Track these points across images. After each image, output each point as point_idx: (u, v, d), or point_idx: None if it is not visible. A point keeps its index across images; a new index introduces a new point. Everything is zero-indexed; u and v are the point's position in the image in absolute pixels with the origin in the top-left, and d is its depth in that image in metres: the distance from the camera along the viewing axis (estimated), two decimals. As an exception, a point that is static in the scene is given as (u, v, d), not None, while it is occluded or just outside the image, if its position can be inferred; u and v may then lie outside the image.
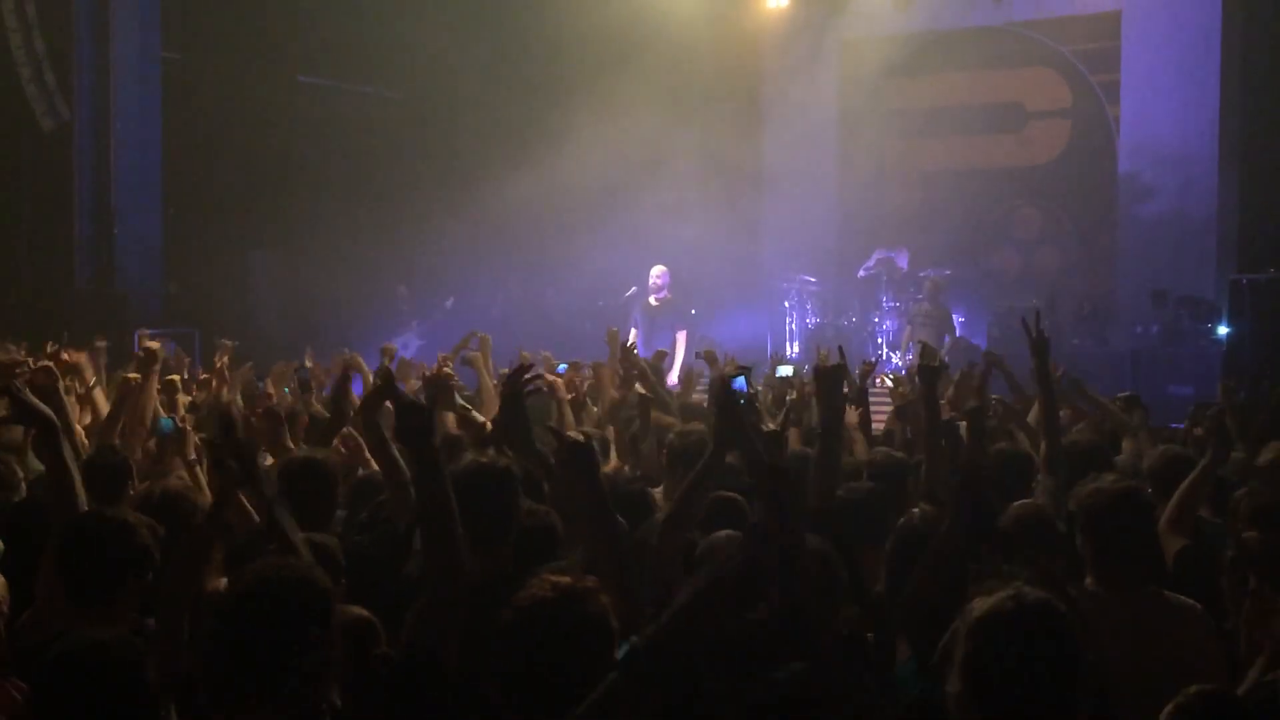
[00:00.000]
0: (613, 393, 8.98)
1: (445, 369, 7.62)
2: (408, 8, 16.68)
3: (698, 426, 6.55)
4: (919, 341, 15.96)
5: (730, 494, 5.19)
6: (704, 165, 18.06)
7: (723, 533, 4.41)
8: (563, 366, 9.69)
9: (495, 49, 17.56)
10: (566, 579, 3.17)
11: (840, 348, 7.06)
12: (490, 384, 9.15)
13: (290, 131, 17.46)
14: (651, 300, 15.14)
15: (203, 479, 5.99)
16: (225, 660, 3.02)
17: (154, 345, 7.14)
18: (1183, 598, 4.44)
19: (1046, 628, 2.96)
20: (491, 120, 18.05)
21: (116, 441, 6.44)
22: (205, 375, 9.26)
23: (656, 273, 15.26)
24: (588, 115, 16.59)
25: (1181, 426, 9.17)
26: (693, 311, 17.14)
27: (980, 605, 2.99)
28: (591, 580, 3.21)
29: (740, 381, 4.82)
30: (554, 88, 18.21)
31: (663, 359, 11.54)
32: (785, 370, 9.54)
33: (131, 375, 6.85)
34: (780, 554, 4.17)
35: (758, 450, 4.44)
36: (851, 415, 7.28)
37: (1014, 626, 2.94)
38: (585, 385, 9.17)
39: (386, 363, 9.19)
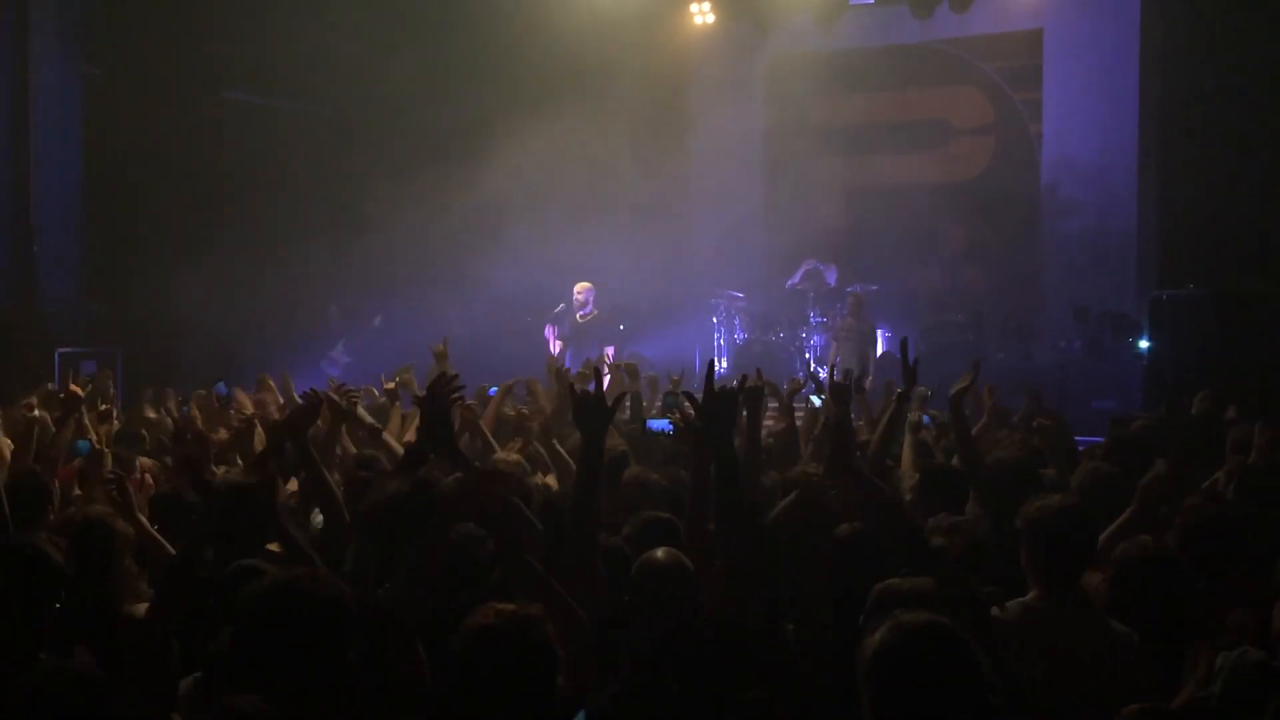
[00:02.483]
0: (544, 404, 8.97)
1: (347, 389, 7.47)
2: (336, 24, 16.56)
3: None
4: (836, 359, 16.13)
5: (663, 514, 5.18)
6: (631, 181, 18.11)
7: (659, 550, 4.41)
8: (493, 389, 9.67)
9: (423, 66, 17.47)
10: (512, 606, 3.22)
11: (759, 371, 7.11)
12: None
13: (217, 147, 17.27)
14: (577, 317, 15.09)
15: (118, 499, 5.92)
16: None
17: (77, 390, 6.95)
18: (1121, 625, 4.50)
19: (934, 647, 3.00)
20: (419, 137, 17.98)
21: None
22: (105, 407, 8.97)
23: (580, 289, 15.22)
24: (515, 132, 16.58)
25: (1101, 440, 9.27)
26: (621, 327, 17.15)
27: (868, 646, 3.03)
28: (535, 608, 3.25)
29: (663, 423, 4.88)
30: (482, 105, 18.17)
31: (587, 377, 11.56)
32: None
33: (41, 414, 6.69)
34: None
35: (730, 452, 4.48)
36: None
37: (904, 656, 2.98)
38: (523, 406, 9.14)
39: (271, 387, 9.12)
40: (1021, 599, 4.50)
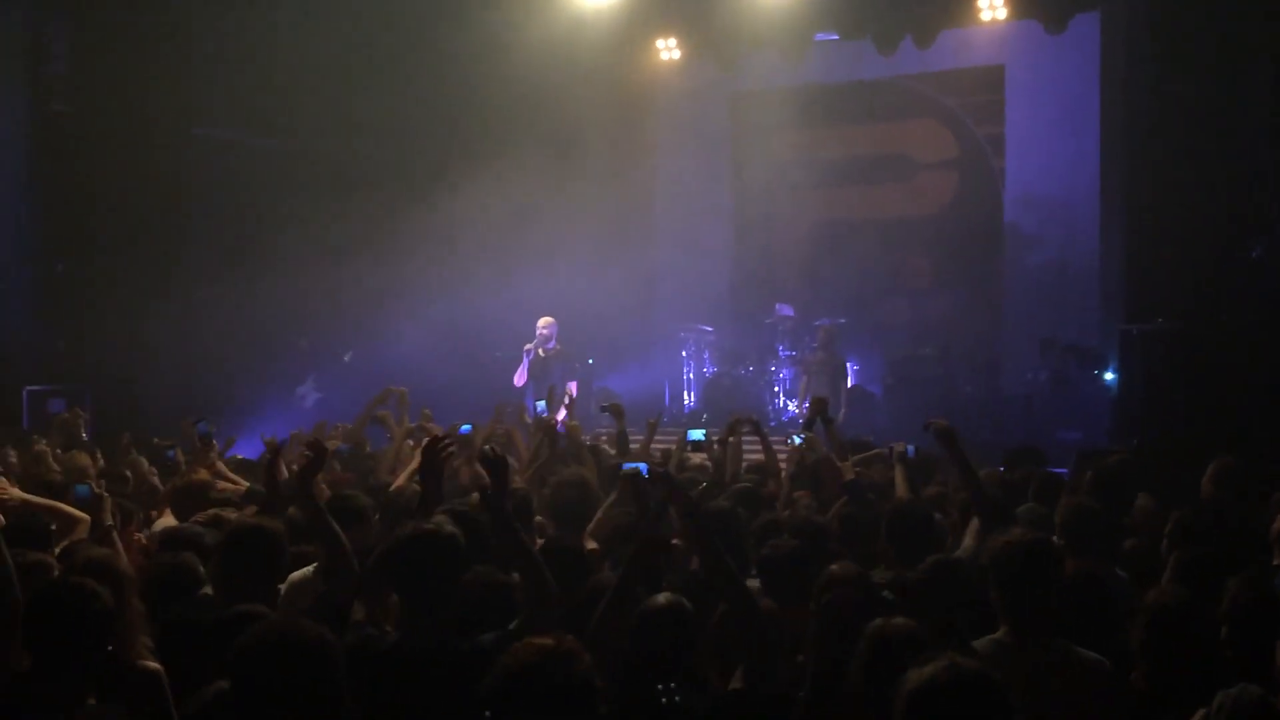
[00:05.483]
0: (522, 450, 9.02)
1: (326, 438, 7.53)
2: (304, 61, 16.57)
3: (576, 475, 6.62)
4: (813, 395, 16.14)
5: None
6: (598, 216, 18.15)
7: (661, 595, 4.44)
8: (466, 427, 9.69)
9: (392, 101, 17.49)
10: (549, 641, 3.25)
11: (754, 420, 7.18)
12: (402, 443, 9.16)
13: (185, 184, 17.21)
14: (540, 352, 15.08)
15: (119, 544, 5.93)
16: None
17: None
18: (1092, 653, 4.56)
19: (983, 698, 3.05)
20: (388, 173, 17.98)
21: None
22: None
23: (543, 324, 15.22)
24: (483, 168, 16.61)
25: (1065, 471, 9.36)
26: (590, 361, 17.18)
27: (915, 677, 3.07)
28: (572, 641, 3.28)
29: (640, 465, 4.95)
30: (450, 141, 18.22)
31: (552, 396, 11.71)
32: (697, 434, 9.59)
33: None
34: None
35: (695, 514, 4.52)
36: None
37: (951, 699, 3.03)
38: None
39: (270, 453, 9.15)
40: (992, 635, 4.56)
